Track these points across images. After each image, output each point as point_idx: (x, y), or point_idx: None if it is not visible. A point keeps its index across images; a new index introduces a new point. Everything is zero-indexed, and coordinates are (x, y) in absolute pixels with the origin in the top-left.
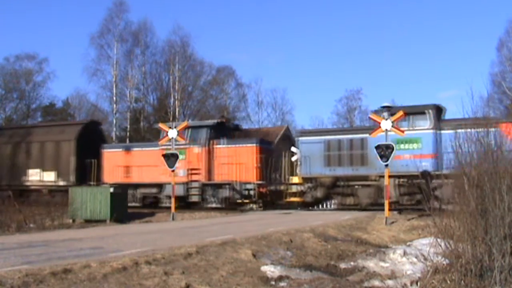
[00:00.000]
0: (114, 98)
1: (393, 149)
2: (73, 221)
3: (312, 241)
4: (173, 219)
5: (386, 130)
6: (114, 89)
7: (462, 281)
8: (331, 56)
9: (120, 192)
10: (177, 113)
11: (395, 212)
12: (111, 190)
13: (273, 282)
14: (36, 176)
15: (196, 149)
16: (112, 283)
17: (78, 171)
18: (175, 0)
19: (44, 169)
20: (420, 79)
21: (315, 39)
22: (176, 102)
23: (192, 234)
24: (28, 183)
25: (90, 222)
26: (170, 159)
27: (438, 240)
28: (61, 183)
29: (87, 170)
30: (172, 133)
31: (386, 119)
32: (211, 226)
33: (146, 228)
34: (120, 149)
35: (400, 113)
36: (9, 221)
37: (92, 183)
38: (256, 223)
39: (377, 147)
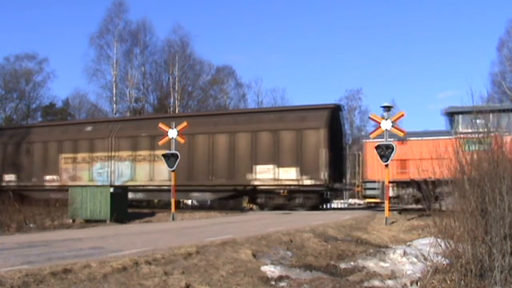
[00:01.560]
0: (114, 98)
1: (393, 149)
2: (73, 221)
3: (312, 241)
4: (173, 219)
5: (386, 130)
6: (114, 89)
7: (462, 281)
8: (331, 56)
9: (120, 192)
10: (177, 113)
11: (395, 212)
12: (111, 190)
13: (273, 282)
14: (268, 174)
15: None
16: (112, 283)
17: (330, 167)
18: (175, 1)
19: (280, 165)
20: (420, 79)
21: (315, 39)
22: (176, 102)
23: (192, 234)
24: (256, 182)
25: (90, 222)
26: (170, 159)
27: (438, 240)
28: (307, 181)
29: (337, 165)
30: (172, 133)
31: (386, 119)
32: (211, 226)
33: (146, 228)
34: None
35: (401, 113)
36: (9, 221)
37: (356, 181)
38: (256, 223)
39: (377, 147)
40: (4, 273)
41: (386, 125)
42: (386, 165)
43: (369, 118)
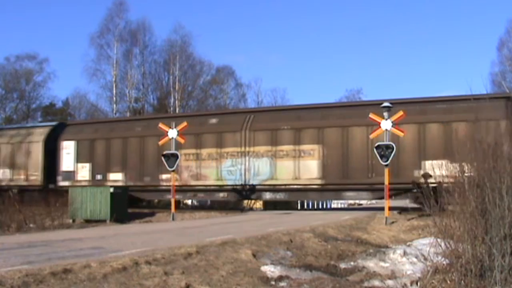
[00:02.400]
0: (114, 98)
1: (393, 149)
2: (73, 221)
3: (312, 241)
4: (173, 219)
5: (386, 130)
6: (114, 89)
7: (462, 281)
8: (331, 56)
9: (120, 192)
10: (177, 113)
11: (395, 212)
12: (111, 190)
13: (273, 282)
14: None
15: None
16: (112, 283)
17: None
18: (175, 1)
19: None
20: (420, 79)
21: (315, 39)
22: (176, 102)
23: (192, 234)
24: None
25: (90, 222)
26: (170, 159)
27: (438, 240)
28: None
29: None
30: (172, 133)
31: (386, 119)
32: (211, 226)
33: (146, 228)
34: None
35: (400, 113)
36: (9, 221)
37: None
38: (256, 223)
39: (377, 147)
40: (4, 273)
41: (386, 125)
42: (386, 165)
43: (369, 118)
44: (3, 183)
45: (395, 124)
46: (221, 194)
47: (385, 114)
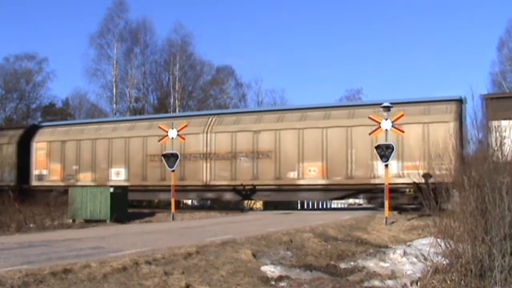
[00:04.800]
0: (114, 98)
1: (393, 149)
2: (73, 221)
3: (312, 241)
4: (173, 219)
5: (386, 130)
6: (114, 89)
7: (462, 281)
8: (331, 56)
9: (120, 192)
10: (177, 113)
11: (395, 212)
12: (111, 190)
13: (273, 282)
14: None
15: None
16: (112, 283)
17: None
18: (175, 1)
19: None
20: (420, 79)
21: (315, 39)
22: (176, 101)
23: (192, 234)
24: None
25: (90, 222)
26: (170, 159)
27: (438, 240)
28: None
29: None
30: (172, 133)
31: (386, 119)
32: (211, 226)
33: (146, 228)
34: None
35: (401, 113)
36: (9, 221)
37: None
38: (256, 223)
39: (377, 147)
40: (4, 273)
41: (386, 125)
42: (386, 165)
43: (369, 118)
44: None
45: (394, 124)
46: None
47: (385, 114)
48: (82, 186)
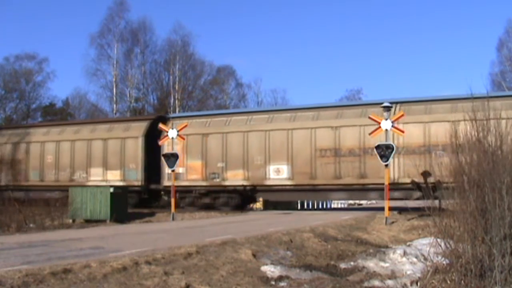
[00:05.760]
0: (114, 98)
1: (393, 149)
2: (73, 221)
3: (312, 241)
4: (173, 219)
5: (386, 130)
6: (114, 89)
7: (462, 281)
8: (331, 56)
9: (120, 192)
10: (177, 113)
11: (395, 212)
12: (111, 190)
13: (273, 282)
14: None
15: None
16: (112, 283)
17: None
18: (175, 2)
19: None
20: (420, 79)
21: (315, 39)
22: (176, 102)
23: (192, 234)
24: None
25: (90, 222)
26: (170, 159)
27: (438, 240)
28: None
29: None
30: (172, 133)
31: (386, 119)
32: (211, 226)
33: (146, 228)
34: None
35: (401, 112)
36: (9, 221)
37: None
38: (256, 223)
39: (377, 147)
40: (4, 273)
41: (386, 125)
42: (386, 165)
43: (369, 118)
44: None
45: (395, 124)
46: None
47: (385, 114)
48: (82, 186)
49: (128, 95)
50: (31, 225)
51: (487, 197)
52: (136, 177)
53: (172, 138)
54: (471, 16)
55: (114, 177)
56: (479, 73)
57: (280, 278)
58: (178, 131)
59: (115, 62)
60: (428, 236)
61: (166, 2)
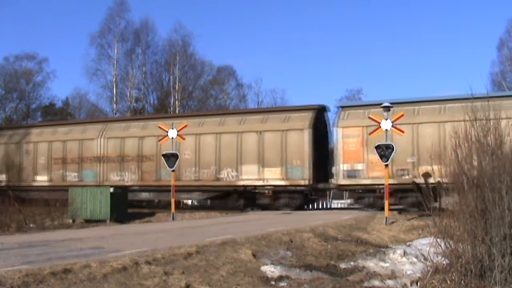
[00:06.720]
0: (115, 98)
1: (393, 149)
2: (73, 221)
3: (312, 241)
4: (173, 219)
5: (386, 130)
6: (115, 89)
7: (462, 281)
8: (331, 56)
9: (120, 192)
10: (177, 113)
11: (395, 212)
12: (111, 190)
13: (273, 282)
14: None
15: None
16: (112, 283)
17: None
18: (175, 2)
19: None
20: (420, 79)
21: (315, 39)
22: (177, 102)
23: (192, 234)
24: None
25: (90, 222)
26: (170, 159)
27: (438, 240)
28: None
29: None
30: (172, 133)
31: (386, 119)
32: (211, 226)
33: (146, 228)
34: None
35: (401, 112)
36: (9, 221)
37: None
38: (256, 223)
39: (377, 147)
40: (4, 273)
41: (386, 125)
42: (386, 165)
43: (369, 118)
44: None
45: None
46: None
47: (385, 114)
48: (82, 186)
49: (128, 95)
50: (31, 225)
51: (487, 197)
52: (302, 176)
53: (172, 138)
54: (472, 16)
55: (273, 175)
56: (479, 73)
57: (280, 278)
58: (178, 131)
59: (115, 62)
60: (428, 236)
61: (166, 2)
